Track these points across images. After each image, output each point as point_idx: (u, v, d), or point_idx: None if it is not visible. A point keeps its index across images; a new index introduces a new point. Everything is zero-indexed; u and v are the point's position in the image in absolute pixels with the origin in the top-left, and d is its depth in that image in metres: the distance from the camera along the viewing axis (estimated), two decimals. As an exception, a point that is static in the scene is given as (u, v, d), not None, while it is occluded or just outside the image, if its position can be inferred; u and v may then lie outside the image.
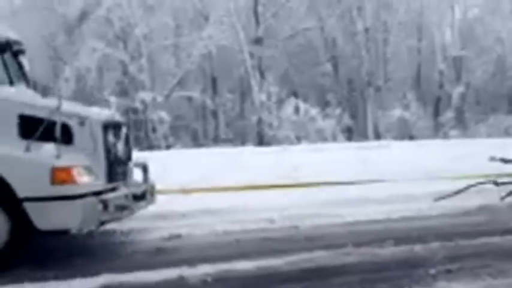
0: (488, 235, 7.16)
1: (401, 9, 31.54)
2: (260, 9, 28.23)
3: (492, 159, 3.98)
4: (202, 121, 30.13)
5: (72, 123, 6.29)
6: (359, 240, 6.97)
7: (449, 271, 5.63)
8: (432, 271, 5.59)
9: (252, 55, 27.58)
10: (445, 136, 28.67)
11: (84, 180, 6.11)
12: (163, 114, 25.42)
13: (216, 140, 27.50)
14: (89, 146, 6.37)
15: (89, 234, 6.82)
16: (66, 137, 6.21)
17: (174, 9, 28.94)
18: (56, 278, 5.58)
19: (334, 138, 26.64)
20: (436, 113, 32.01)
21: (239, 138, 27.58)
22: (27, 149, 5.99)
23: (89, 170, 6.23)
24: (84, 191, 6.06)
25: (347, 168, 12.98)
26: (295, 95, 29.52)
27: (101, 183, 6.38)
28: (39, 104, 6.42)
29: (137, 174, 7.68)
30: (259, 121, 26.55)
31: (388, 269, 5.81)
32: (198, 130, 29.70)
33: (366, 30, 30.21)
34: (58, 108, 6.09)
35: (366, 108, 29.63)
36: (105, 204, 6.19)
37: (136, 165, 7.68)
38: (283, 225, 8.18)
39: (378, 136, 28.39)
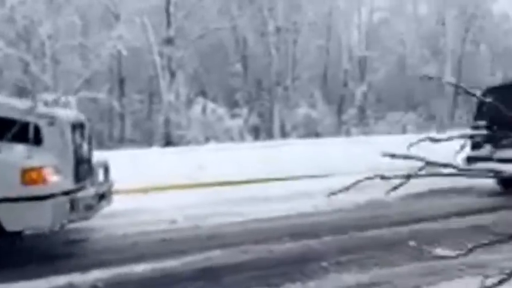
0: (377, 228, 7.50)
1: (311, 10, 32.23)
2: (172, 9, 27.90)
3: (383, 155, 4.09)
4: (108, 123, 29.44)
5: (42, 124, 6.34)
6: (257, 237, 7.12)
7: (340, 263, 5.85)
8: (324, 264, 5.79)
9: (162, 55, 27.28)
10: (348, 133, 29.68)
11: (54, 180, 6.13)
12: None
13: (122, 142, 26.99)
14: (58, 146, 6.42)
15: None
16: (36, 137, 6.28)
17: (81, 8, 27.98)
18: None
19: (242, 138, 26.84)
20: (340, 111, 33.07)
21: (146, 140, 27.23)
22: None
23: (58, 169, 6.24)
24: (54, 190, 6.09)
25: (251, 167, 13.17)
26: (204, 95, 29.53)
27: (69, 183, 6.41)
28: (8, 105, 6.54)
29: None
30: (167, 121, 26.32)
31: (283, 265, 5.94)
32: (103, 132, 28.95)
33: (277, 30, 30.65)
34: (32, 109, 6.32)
35: (273, 107, 30.08)
36: (74, 204, 6.28)
37: (98, 164, 7.68)
38: (184, 226, 8.17)
39: (284, 135, 28.87)
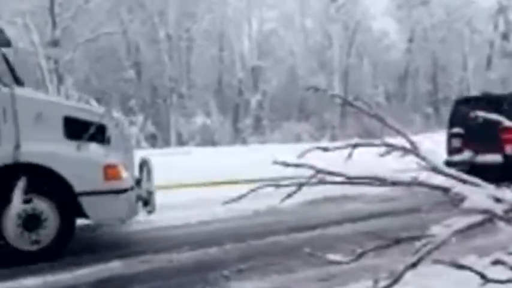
0: (276, 234, 7.64)
1: (205, 18, 32.27)
2: (57, 10, 26.85)
3: (275, 163, 4.22)
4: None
5: (111, 125, 7.00)
6: (157, 246, 7.06)
7: (241, 271, 5.91)
8: (225, 272, 5.83)
9: (48, 58, 26.21)
10: (244, 142, 30.01)
11: (126, 176, 6.80)
12: None
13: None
14: (122, 145, 7.15)
15: None
16: (106, 137, 6.96)
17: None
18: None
19: (138, 145, 26.42)
20: (236, 120, 33.39)
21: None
22: (78, 149, 6.64)
23: (126, 166, 6.93)
24: (127, 185, 6.80)
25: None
26: (97, 101, 28.70)
27: (132, 179, 7.10)
28: (78, 106, 7.41)
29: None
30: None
31: (183, 274, 5.93)
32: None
33: (169, 37, 30.39)
34: (108, 112, 7.05)
35: (169, 115, 29.84)
36: (140, 198, 7.07)
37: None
38: (80, 236, 7.78)
39: (181, 143, 28.70)
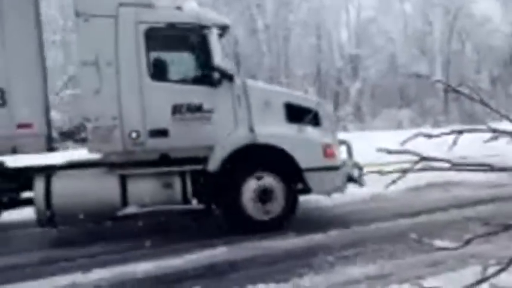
0: (380, 221, 7.68)
1: (302, 7, 32.19)
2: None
3: (379, 150, 4.28)
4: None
5: (321, 111, 7.83)
6: (263, 233, 7.12)
7: (346, 257, 6.00)
8: (330, 258, 5.92)
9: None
10: (345, 129, 29.78)
11: (337, 154, 7.65)
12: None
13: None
14: (329, 127, 7.87)
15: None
16: (318, 121, 7.76)
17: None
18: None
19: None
20: (336, 108, 33.17)
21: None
22: (300, 131, 7.50)
23: (336, 145, 7.74)
24: (339, 163, 7.65)
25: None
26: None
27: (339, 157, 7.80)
28: (294, 94, 8.37)
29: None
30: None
31: (289, 260, 6.05)
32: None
33: (266, 27, 30.64)
34: (320, 101, 8.15)
35: (267, 104, 30.05)
36: (349, 175, 7.72)
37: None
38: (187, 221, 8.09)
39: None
